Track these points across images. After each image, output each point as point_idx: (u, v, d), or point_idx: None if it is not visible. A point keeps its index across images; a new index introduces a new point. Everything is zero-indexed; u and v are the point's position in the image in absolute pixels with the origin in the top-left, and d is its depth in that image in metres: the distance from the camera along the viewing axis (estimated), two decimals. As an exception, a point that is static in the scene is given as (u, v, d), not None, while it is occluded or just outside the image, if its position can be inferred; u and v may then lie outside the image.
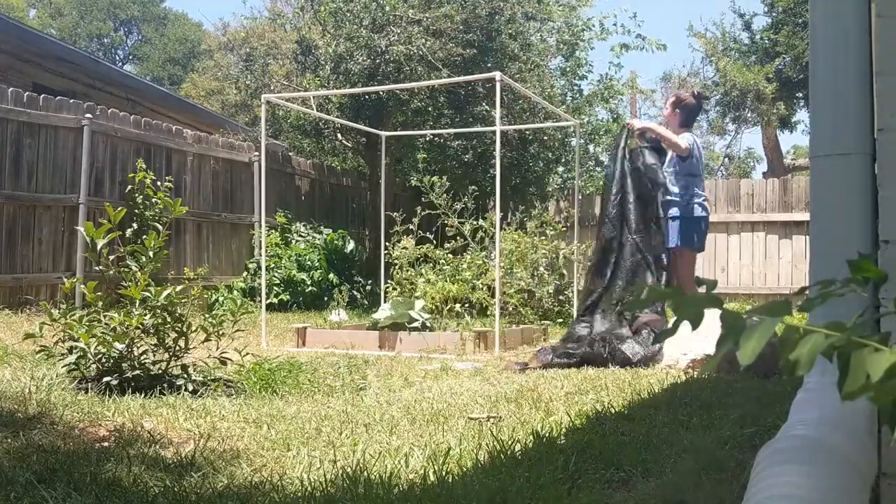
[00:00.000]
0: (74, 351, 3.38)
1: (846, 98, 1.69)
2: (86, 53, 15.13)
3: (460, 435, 2.64)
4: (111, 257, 3.60)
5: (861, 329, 0.70)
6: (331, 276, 9.49)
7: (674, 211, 5.40)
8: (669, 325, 0.85)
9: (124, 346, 3.36)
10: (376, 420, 2.92)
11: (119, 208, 3.65)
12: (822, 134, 1.74)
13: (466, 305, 6.88)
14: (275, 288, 9.10)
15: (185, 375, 3.49)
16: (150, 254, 3.55)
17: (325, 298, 9.20)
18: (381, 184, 8.11)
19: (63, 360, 3.38)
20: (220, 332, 3.65)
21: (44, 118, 7.22)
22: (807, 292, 0.84)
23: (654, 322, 5.10)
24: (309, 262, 9.40)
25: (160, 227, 3.70)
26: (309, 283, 9.29)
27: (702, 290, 0.88)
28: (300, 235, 9.88)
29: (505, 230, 8.14)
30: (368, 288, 9.87)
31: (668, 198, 5.40)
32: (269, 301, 8.69)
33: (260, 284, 6.99)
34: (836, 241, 1.68)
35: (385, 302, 6.83)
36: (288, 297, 9.14)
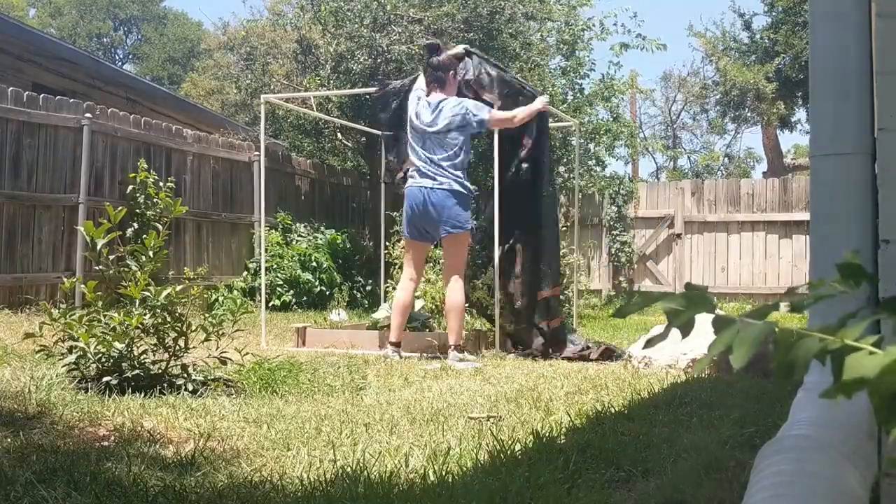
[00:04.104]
0: (74, 350, 3.37)
1: (846, 98, 1.69)
2: (86, 53, 15.13)
3: (460, 434, 2.64)
4: (111, 257, 3.60)
5: (860, 331, 0.70)
6: (335, 275, 9.50)
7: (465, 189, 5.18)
8: (661, 330, 0.85)
9: (124, 345, 3.36)
10: (376, 420, 2.92)
11: (119, 208, 3.65)
12: (822, 134, 1.74)
13: (466, 305, 6.87)
14: (278, 289, 9.07)
15: (185, 375, 3.48)
16: (150, 253, 3.54)
17: (329, 297, 9.21)
18: (381, 184, 8.11)
19: (63, 360, 3.37)
20: (220, 332, 3.65)
21: (44, 118, 7.22)
22: (799, 290, 0.84)
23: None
24: (315, 263, 9.39)
25: (160, 226, 3.69)
26: (317, 283, 9.28)
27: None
28: (300, 235, 9.88)
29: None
30: (368, 288, 9.86)
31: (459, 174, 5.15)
32: (272, 302, 8.68)
33: (260, 284, 6.98)
34: (836, 241, 1.68)
35: (385, 302, 6.82)
36: (291, 297, 9.12)
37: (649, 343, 0.89)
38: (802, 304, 0.78)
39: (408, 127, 5.28)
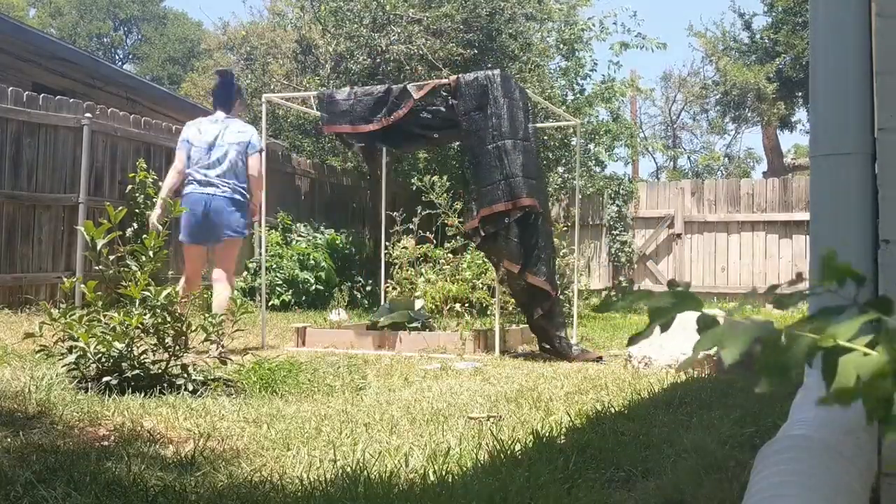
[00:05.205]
0: (74, 350, 3.37)
1: (846, 98, 1.69)
2: (85, 53, 15.12)
3: (460, 435, 2.64)
4: (111, 257, 3.60)
5: (854, 331, 0.70)
6: (334, 275, 9.50)
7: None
8: (645, 329, 0.84)
9: (124, 345, 3.36)
10: (376, 420, 2.92)
11: (119, 208, 3.65)
12: (822, 134, 1.74)
13: (466, 305, 6.87)
14: (277, 288, 9.07)
15: (185, 375, 3.49)
16: (150, 253, 3.55)
17: (327, 296, 9.20)
18: (382, 184, 8.11)
19: (63, 360, 3.37)
20: (220, 332, 3.65)
21: (44, 117, 7.22)
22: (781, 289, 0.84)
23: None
24: (313, 262, 9.39)
25: (160, 226, 3.69)
26: (315, 283, 9.27)
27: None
28: (300, 235, 9.88)
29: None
30: (368, 288, 9.86)
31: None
32: (272, 302, 8.68)
33: (261, 284, 6.98)
34: (836, 241, 1.68)
35: (385, 302, 6.82)
36: (290, 297, 9.12)
37: (631, 341, 0.89)
38: (786, 302, 0.78)
39: (191, 145, 5.47)
